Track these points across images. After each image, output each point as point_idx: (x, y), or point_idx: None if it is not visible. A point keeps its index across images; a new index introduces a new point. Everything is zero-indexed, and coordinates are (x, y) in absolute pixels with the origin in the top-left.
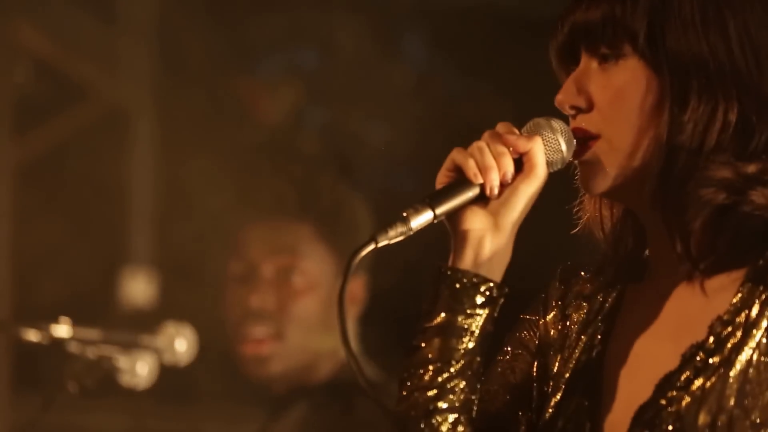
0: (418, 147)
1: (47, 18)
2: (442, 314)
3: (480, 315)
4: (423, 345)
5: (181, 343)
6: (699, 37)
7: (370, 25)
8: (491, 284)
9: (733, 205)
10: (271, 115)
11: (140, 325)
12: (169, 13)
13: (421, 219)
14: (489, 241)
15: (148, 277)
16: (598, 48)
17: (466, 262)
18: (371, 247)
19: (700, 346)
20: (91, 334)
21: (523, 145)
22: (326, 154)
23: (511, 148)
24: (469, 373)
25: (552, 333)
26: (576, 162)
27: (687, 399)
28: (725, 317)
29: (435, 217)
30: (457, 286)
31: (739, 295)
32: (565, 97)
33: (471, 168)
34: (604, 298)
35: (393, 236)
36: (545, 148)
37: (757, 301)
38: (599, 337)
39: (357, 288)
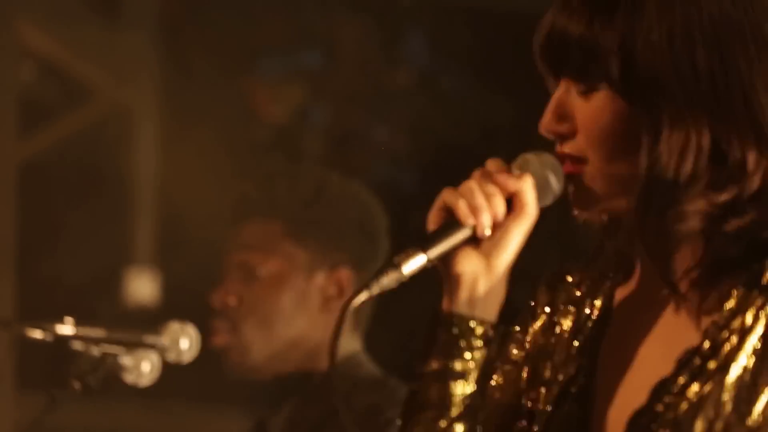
0: (421, 146)
1: (51, 18)
2: (440, 360)
3: (477, 359)
4: (420, 390)
5: (185, 342)
6: (667, 64)
7: (373, 24)
8: (488, 326)
9: (710, 236)
10: (274, 115)
11: (144, 324)
12: (174, 12)
13: (414, 264)
14: (483, 282)
15: (152, 275)
16: (574, 79)
17: (461, 304)
18: (365, 296)
19: (696, 350)
20: (95, 332)
21: (513, 184)
22: (329, 153)
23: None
24: (468, 415)
25: (541, 341)
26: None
27: (684, 405)
28: (720, 322)
29: (428, 261)
30: (454, 331)
31: (734, 299)
32: (548, 125)
33: (462, 209)
34: (593, 303)
35: (386, 284)
36: (536, 185)
37: (752, 306)
38: (590, 343)
39: (345, 276)
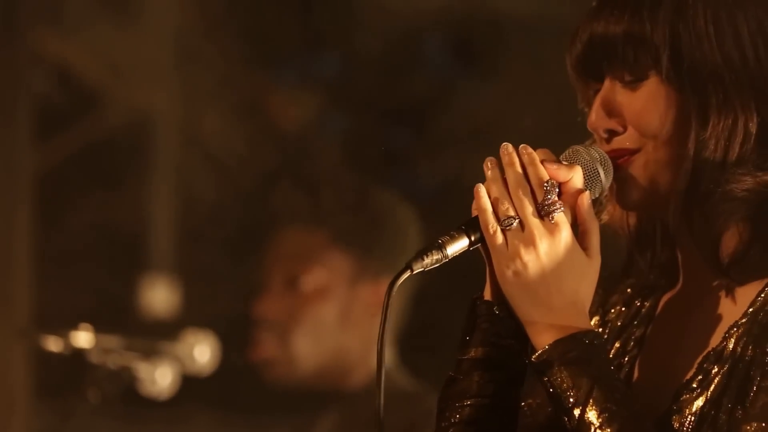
0: (439, 153)
1: (67, 24)
2: (479, 348)
3: (517, 346)
4: (461, 377)
5: (201, 352)
6: (714, 50)
7: (393, 31)
8: None
9: (758, 215)
10: (293, 122)
11: (161, 333)
12: (190, 19)
13: (457, 246)
14: None
15: (168, 284)
16: (622, 73)
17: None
18: (407, 275)
19: (713, 352)
20: (112, 341)
21: (563, 174)
22: (347, 160)
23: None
24: (507, 405)
25: None
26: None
27: (695, 407)
28: (741, 321)
29: (471, 243)
30: (494, 318)
31: (759, 302)
32: (598, 122)
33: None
34: (641, 303)
35: (428, 264)
36: (585, 177)
37: None
38: (632, 344)
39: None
